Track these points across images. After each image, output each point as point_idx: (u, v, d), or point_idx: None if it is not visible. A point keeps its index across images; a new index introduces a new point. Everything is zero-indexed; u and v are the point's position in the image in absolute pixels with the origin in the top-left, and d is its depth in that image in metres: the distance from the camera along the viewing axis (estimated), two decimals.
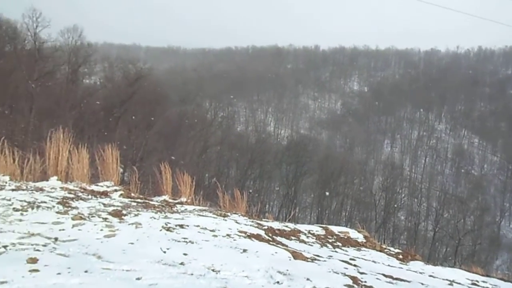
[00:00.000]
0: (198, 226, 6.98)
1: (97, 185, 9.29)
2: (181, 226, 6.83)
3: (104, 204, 7.64)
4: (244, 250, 5.90)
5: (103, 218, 6.60)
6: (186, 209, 8.66)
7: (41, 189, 8.06)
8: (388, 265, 7.43)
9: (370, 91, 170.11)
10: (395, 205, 78.43)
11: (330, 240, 8.90)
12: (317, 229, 9.54)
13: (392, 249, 9.81)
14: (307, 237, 8.72)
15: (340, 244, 8.77)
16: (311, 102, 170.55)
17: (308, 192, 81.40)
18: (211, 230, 6.85)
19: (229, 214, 8.80)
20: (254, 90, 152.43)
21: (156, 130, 59.44)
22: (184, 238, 6.05)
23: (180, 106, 78.32)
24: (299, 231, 8.91)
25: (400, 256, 8.87)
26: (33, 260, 4.40)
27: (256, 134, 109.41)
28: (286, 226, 9.02)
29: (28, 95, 47.93)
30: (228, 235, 6.74)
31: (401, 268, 7.51)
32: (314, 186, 78.56)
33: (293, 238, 8.32)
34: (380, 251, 9.01)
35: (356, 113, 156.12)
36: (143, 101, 57.82)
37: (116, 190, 9.14)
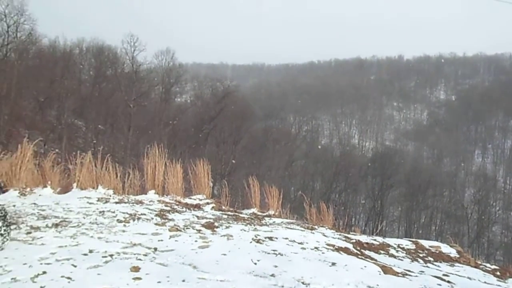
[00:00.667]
0: (286, 238, 6.98)
1: (190, 198, 9.62)
2: (270, 238, 6.87)
3: (197, 217, 7.89)
4: (333, 263, 5.81)
5: (197, 230, 6.81)
6: (274, 221, 8.70)
7: (140, 202, 8.50)
8: (485, 282, 6.98)
9: (458, 99, 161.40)
10: (489, 219, 73.39)
11: (420, 255, 8.52)
12: (406, 243, 9.18)
13: (488, 265, 9.18)
14: (397, 251, 8.42)
15: (431, 259, 8.37)
16: (395, 113, 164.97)
17: (395, 205, 78.43)
18: (299, 243, 6.82)
19: (316, 227, 8.72)
20: (337, 103, 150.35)
21: (243, 145, 60.53)
22: (274, 250, 6.08)
23: (265, 121, 79.30)
24: (388, 245, 8.63)
25: (498, 273, 8.29)
26: (136, 269, 4.64)
27: (340, 147, 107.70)
28: (375, 240, 8.77)
29: (126, 114, 51.00)
30: (316, 248, 6.68)
31: (499, 286, 7.02)
32: (401, 199, 75.51)
33: (382, 252, 8.07)
34: (475, 267, 8.48)
35: (444, 123, 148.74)
36: (230, 117, 59.23)
37: (208, 203, 9.40)
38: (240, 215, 9.03)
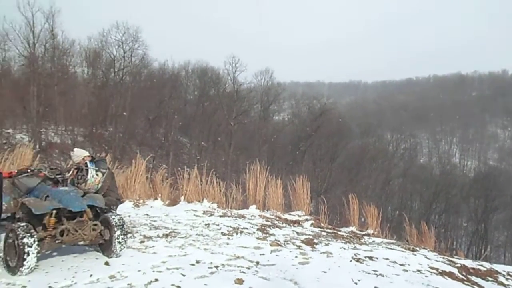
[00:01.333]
0: (387, 259, 6.73)
1: (290, 214, 9.64)
2: (370, 258, 6.66)
3: (297, 232, 7.89)
4: None
5: (297, 246, 6.80)
6: (373, 241, 8.44)
7: (242, 216, 8.68)
8: None
9: None
10: None
11: None
12: None
13: None
14: (506, 279, 7.78)
15: None
16: (500, 131, 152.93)
17: (501, 230, 72.29)
18: (400, 264, 6.54)
19: (417, 248, 8.32)
20: (436, 120, 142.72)
21: (339, 162, 59.60)
22: (374, 271, 5.88)
23: (361, 139, 77.47)
24: (497, 272, 7.98)
25: None
26: (240, 281, 4.72)
27: (440, 165, 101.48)
28: (481, 265, 8.17)
29: (228, 132, 52.66)
30: (418, 270, 6.36)
31: None
32: (508, 223, 69.57)
33: (490, 279, 7.48)
34: None
35: None
36: (327, 134, 58.72)
37: (307, 220, 9.37)
38: (339, 232, 8.87)
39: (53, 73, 45.79)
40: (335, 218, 11.68)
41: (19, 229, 4.67)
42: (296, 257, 6.08)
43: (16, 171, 5.50)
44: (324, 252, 6.56)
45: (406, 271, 6.20)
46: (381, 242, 8.37)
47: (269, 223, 8.31)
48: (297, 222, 8.95)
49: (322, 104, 66.61)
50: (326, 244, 7.16)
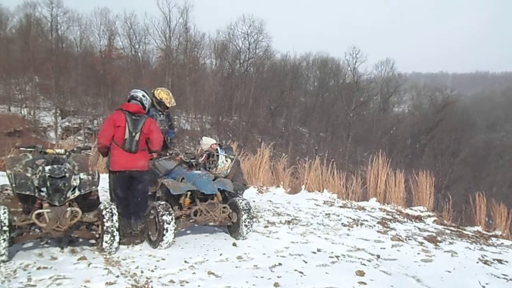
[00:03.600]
0: None
1: (411, 209, 9.21)
2: (499, 261, 6.12)
3: (419, 228, 7.52)
4: None
5: (419, 242, 6.48)
6: (502, 243, 7.73)
7: (362, 208, 8.49)
8: None
9: None
10: None
11: None
12: None
13: None
14: None
15: None
16: None
17: None
18: None
19: None
20: None
21: (462, 157, 55.55)
22: (504, 275, 5.39)
23: (487, 133, 71.35)
24: None
25: None
26: (361, 273, 4.62)
27: None
28: None
29: (346, 123, 51.82)
30: None
31: None
32: None
33: None
34: None
35: None
36: (449, 128, 55.03)
37: (429, 216, 8.87)
38: (464, 231, 8.28)
39: (185, 65, 48.77)
40: (458, 216, 10.92)
41: (159, 207, 5.04)
42: (418, 253, 5.81)
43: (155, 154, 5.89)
44: (448, 251, 6.17)
45: None
46: (511, 245, 7.66)
47: (389, 217, 8.02)
48: (418, 218, 8.52)
49: (445, 96, 62.50)
50: (450, 243, 6.72)
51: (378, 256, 5.40)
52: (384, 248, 5.82)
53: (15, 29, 49.91)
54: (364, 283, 4.36)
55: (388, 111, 61.04)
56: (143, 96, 5.41)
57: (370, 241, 6.09)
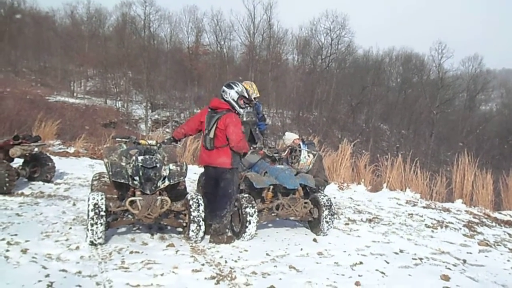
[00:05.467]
0: None
1: (500, 213, 8.59)
2: None
3: (509, 234, 6.97)
4: None
5: (509, 249, 6.01)
6: None
7: (447, 210, 8.05)
8: None
9: None
10: None
11: None
12: None
13: None
14: None
15: None
16: None
17: None
18: None
19: None
20: None
21: None
22: None
23: None
24: None
25: None
26: (446, 278, 4.37)
27: None
28: None
29: (429, 121, 49.45)
30: None
31: None
32: None
33: None
34: None
35: None
36: None
37: None
38: None
39: (268, 60, 49.10)
40: None
41: (243, 199, 5.09)
42: (508, 261, 5.38)
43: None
44: None
45: None
46: None
47: (476, 220, 7.53)
48: (509, 223, 7.90)
49: None
50: None
51: (464, 261, 5.07)
52: (470, 253, 5.46)
53: (112, 27, 53.24)
54: None
55: (474, 109, 57.29)
56: (223, 91, 5.16)
57: (455, 245, 5.74)
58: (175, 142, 5.51)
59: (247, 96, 5.41)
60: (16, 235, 4.61)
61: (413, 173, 9.46)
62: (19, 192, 6.73)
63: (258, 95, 6.53)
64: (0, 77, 37.19)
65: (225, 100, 5.11)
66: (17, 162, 7.39)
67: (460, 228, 6.73)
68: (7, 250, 4.16)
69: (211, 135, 4.97)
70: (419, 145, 46.02)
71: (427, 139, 47.84)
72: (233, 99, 5.15)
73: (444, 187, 9.41)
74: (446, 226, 6.70)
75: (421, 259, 4.96)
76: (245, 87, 6.12)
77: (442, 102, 51.66)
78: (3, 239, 4.45)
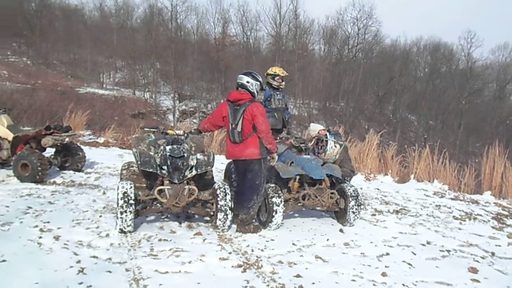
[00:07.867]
0: None
1: None
2: None
3: None
4: None
5: None
6: None
7: (476, 202, 7.89)
8: None
9: None
10: None
11: None
12: None
13: None
14: None
15: None
16: None
17: None
18: None
19: None
20: None
21: None
22: None
23: None
24: None
25: None
26: (474, 270, 4.30)
27: None
28: None
29: (458, 111, 48.38)
30: None
31: None
32: None
33: None
34: None
35: None
36: None
37: None
38: None
39: (294, 51, 48.78)
40: None
41: (269, 189, 5.10)
42: None
43: None
44: None
45: None
46: None
47: (506, 213, 7.34)
48: None
49: None
50: None
51: (493, 254, 4.97)
52: (499, 246, 5.34)
53: (140, 19, 53.78)
54: (478, 281, 4.04)
55: (504, 100, 55.65)
56: (247, 82, 4.97)
57: (484, 237, 5.62)
58: (201, 133, 5.58)
59: (280, 74, 6.22)
60: (48, 222, 4.75)
61: (441, 164, 9.28)
62: (51, 180, 6.91)
63: (287, 74, 6.77)
64: (32, 70, 38.17)
65: (249, 91, 4.98)
66: (49, 152, 7.58)
67: (489, 221, 6.59)
68: (40, 237, 4.29)
69: (239, 128, 4.88)
70: (447, 136, 45.17)
71: (455, 130, 46.87)
72: (262, 86, 5.28)
73: (473, 178, 9.20)
74: (475, 218, 6.57)
75: (448, 251, 4.89)
76: (276, 69, 6.36)
77: (471, 92, 50.45)
78: (36, 226, 4.59)
